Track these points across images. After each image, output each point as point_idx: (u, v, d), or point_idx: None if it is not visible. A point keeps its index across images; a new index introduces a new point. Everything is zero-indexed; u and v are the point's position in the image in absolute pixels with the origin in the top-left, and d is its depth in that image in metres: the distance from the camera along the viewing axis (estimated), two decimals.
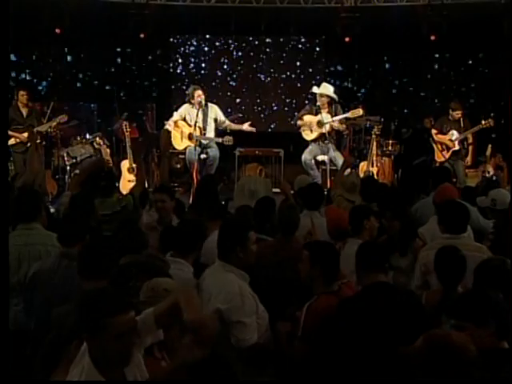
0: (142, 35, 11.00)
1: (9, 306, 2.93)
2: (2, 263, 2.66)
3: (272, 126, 12.42)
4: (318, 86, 8.98)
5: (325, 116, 8.62)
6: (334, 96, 8.82)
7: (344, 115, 8.77)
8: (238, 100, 12.26)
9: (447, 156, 9.15)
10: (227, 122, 8.81)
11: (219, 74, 12.35)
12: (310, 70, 12.34)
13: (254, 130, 8.61)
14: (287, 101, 12.40)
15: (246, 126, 8.63)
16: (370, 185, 5.75)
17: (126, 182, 8.60)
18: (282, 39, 12.35)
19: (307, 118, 8.85)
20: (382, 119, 10.16)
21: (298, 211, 4.75)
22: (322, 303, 3.30)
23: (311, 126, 8.78)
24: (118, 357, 2.28)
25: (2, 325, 2.61)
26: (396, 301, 3.17)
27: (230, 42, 12.33)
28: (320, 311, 3.23)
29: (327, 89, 8.82)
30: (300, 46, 12.41)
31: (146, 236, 4.06)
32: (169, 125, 8.79)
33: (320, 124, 8.71)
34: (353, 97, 11.49)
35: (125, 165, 8.94)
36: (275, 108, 12.42)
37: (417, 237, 4.52)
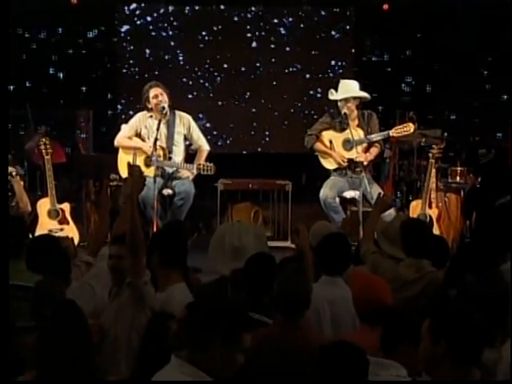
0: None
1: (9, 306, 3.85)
2: (2, 263, 3.90)
3: (273, 146, 12.47)
4: (336, 89, 8.94)
5: (354, 132, 8.71)
6: (366, 95, 8.90)
7: (384, 133, 8.86)
8: (220, 104, 12.33)
9: None
10: (201, 144, 8.90)
11: (192, 64, 12.46)
12: (333, 58, 12.46)
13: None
14: (297, 107, 12.51)
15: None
16: (412, 232, 5.70)
17: (45, 232, 8.51)
18: (289, 11, 12.50)
19: (327, 135, 8.96)
20: (446, 134, 10.26)
21: (309, 279, 4.75)
22: None
23: (334, 149, 8.86)
24: None
25: (2, 325, 3.67)
26: None
27: (210, 15, 12.45)
28: None
29: (350, 87, 8.90)
30: (317, 21, 12.55)
31: None
32: (117, 142, 8.86)
33: (348, 146, 8.80)
34: (396, 97, 11.55)
35: (43, 205, 8.94)
36: (279, 118, 12.50)
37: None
